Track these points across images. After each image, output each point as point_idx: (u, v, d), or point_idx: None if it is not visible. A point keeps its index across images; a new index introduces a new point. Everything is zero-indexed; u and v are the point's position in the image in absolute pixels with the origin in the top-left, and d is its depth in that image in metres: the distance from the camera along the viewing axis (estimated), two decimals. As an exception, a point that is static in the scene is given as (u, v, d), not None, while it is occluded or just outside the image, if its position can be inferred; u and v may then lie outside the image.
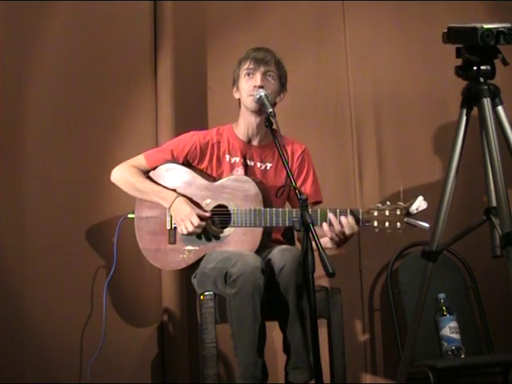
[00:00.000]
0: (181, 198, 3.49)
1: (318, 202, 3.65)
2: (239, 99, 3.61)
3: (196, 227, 3.43)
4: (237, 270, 3.26)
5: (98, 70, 4.05)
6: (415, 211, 3.27)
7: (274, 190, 3.46)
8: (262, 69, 3.52)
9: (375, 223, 3.31)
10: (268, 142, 3.58)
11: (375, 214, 3.31)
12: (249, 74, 3.54)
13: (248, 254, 3.35)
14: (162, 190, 3.54)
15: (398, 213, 3.30)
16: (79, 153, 3.98)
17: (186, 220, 3.44)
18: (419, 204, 3.27)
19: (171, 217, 3.52)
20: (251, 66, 3.53)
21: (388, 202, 3.32)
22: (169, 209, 3.50)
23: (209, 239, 3.49)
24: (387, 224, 3.31)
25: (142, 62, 4.13)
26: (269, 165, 3.63)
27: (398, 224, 3.30)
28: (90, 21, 4.04)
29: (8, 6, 3.86)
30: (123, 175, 3.60)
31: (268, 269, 3.33)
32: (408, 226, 3.29)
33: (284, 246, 3.46)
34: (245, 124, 3.60)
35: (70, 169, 3.97)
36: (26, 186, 3.90)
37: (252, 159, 3.61)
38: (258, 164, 3.62)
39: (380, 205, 3.33)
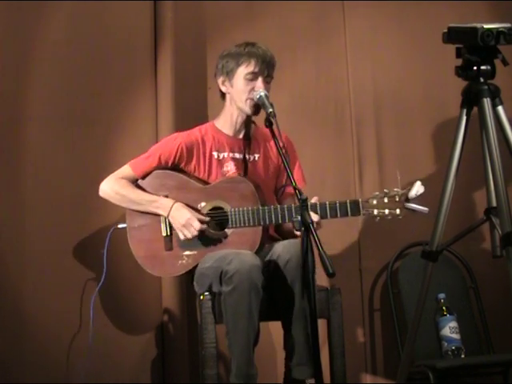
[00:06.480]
0: (178, 205, 3.44)
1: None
2: (226, 94, 3.54)
3: (198, 231, 3.41)
4: (233, 267, 3.23)
5: (98, 70, 4.05)
6: (414, 196, 3.26)
7: (264, 180, 3.47)
8: (266, 73, 3.46)
9: (375, 212, 3.31)
10: (253, 134, 3.56)
11: (374, 202, 3.31)
12: (251, 78, 3.45)
13: (246, 252, 3.32)
14: (157, 199, 3.48)
15: (397, 199, 3.29)
16: (79, 153, 3.97)
17: (188, 226, 3.40)
18: (418, 189, 3.25)
19: (166, 223, 3.48)
20: (256, 70, 3.44)
21: (386, 190, 3.32)
22: (167, 217, 3.46)
23: (207, 243, 3.45)
24: (387, 211, 3.30)
25: (141, 62, 4.13)
26: (257, 156, 3.59)
27: (398, 210, 3.29)
28: (89, 21, 4.03)
29: (8, 6, 3.86)
30: (113, 189, 3.52)
31: (272, 263, 3.32)
32: (408, 211, 3.29)
33: (287, 240, 3.45)
34: (231, 120, 3.55)
35: (69, 170, 3.96)
36: (24, 189, 3.88)
37: (240, 152, 3.56)
38: (247, 156, 3.57)
39: (378, 193, 3.33)
